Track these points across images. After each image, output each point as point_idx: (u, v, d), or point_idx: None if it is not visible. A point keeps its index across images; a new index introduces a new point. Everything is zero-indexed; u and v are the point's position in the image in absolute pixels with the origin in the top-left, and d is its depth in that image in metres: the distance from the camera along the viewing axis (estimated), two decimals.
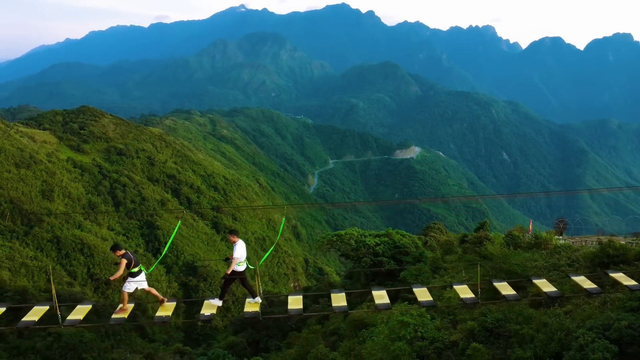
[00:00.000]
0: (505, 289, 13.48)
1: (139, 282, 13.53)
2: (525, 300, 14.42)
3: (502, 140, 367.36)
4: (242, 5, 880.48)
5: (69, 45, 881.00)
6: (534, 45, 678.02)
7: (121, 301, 13.81)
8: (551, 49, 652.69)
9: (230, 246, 13.87)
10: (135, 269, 13.53)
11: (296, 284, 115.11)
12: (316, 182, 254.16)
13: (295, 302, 14.06)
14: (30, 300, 47.98)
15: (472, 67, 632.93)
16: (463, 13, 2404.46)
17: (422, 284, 15.42)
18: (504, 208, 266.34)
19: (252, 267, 13.92)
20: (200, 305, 14.35)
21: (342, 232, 28.94)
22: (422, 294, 13.01)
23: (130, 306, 14.03)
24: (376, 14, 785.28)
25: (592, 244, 24.47)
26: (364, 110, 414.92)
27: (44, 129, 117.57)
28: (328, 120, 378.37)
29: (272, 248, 19.93)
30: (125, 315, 13.75)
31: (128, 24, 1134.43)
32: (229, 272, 13.68)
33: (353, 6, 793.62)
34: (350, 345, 13.70)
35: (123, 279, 13.72)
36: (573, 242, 22.81)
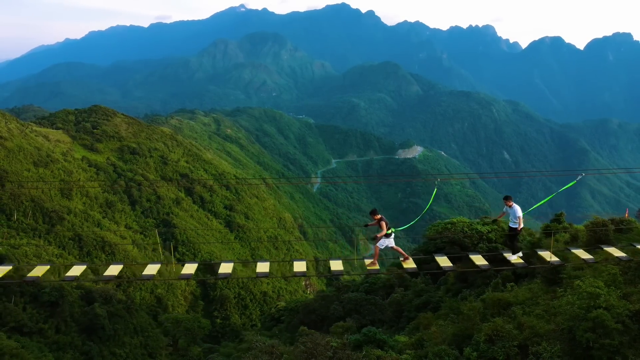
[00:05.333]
0: None
1: (390, 241, 16.43)
2: None
3: (503, 140, 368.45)
4: (242, 5, 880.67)
5: (69, 45, 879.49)
6: (534, 44, 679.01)
7: (373, 256, 16.79)
8: (551, 49, 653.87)
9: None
10: (389, 231, 16.33)
11: (308, 282, 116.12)
12: (319, 181, 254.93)
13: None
14: (66, 297, 48.88)
15: (472, 67, 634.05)
16: (463, 13, 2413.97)
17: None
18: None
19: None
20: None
21: (455, 219, 30.10)
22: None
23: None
24: (376, 13, 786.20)
25: None
26: (365, 110, 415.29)
27: (57, 128, 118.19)
28: (329, 120, 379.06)
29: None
30: (378, 267, 16.71)
31: (128, 24, 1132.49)
32: (519, 228, 16.78)
33: (353, 6, 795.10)
34: (520, 320, 14.68)
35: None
36: None
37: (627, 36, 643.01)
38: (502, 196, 18.14)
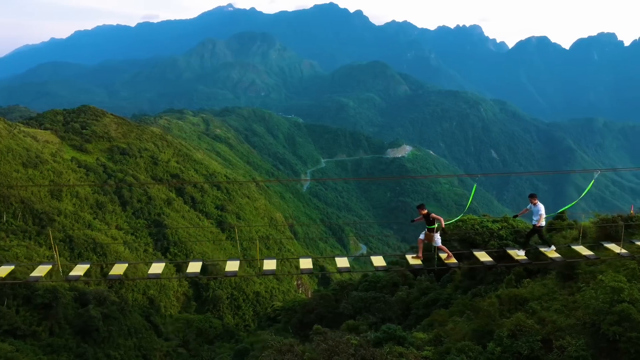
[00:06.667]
0: None
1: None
2: None
3: (490, 139, 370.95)
4: (230, 5, 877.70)
5: (55, 44, 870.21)
6: (521, 44, 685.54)
7: (445, 251, 17.05)
8: (537, 48, 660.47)
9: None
10: (435, 225, 16.62)
11: (300, 282, 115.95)
12: (309, 181, 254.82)
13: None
14: (59, 299, 48.24)
15: (459, 67, 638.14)
16: (450, 13, 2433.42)
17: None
18: (493, 206, 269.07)
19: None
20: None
21: (465, 216, 30.18)
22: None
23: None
24: (364, 13, 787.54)
25: None
26: (354, 109, 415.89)
27: (45, 129, 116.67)
28: (318, 120, 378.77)
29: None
30: (455, 260, 16.95)
31: (114, 23, 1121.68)
32: (538, 225, 17.14)
33: (341, 6, 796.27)
34: (540, 315, 14.75)
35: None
36: None
37: (612, 36, 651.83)
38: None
